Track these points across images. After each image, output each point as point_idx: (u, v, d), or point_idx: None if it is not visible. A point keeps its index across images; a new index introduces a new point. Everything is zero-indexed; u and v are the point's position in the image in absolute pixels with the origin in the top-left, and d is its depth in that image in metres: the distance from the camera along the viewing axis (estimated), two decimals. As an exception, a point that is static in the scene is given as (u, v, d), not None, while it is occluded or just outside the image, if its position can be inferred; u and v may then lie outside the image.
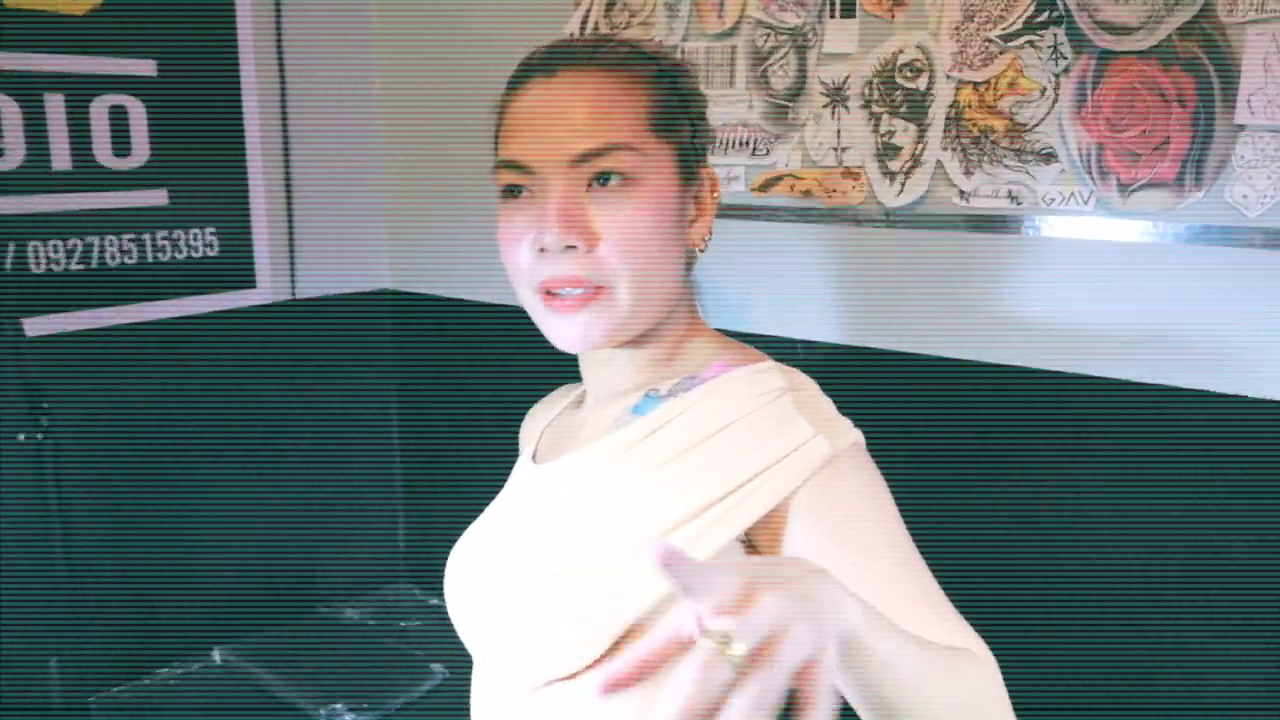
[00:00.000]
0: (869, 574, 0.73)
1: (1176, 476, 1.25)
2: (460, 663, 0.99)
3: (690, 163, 0.88)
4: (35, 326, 1.61)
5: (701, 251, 0.92)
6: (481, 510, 0.98)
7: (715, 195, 0.91)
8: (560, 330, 0.85)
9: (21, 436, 1.21)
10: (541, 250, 0.82)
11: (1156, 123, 1.20)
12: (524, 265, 0.84)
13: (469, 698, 0.95)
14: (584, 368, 0.95)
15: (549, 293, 0.83)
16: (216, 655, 1.91)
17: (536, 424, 1.07)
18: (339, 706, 1.71)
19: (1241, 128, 1.15)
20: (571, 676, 0.79)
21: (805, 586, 0.53)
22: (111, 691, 1.79)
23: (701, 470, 0.80)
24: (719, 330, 0.94)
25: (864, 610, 0.57)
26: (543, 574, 0.84)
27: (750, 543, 0.79)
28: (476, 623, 0.91)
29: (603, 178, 0.82)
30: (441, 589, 0.96)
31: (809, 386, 0.86)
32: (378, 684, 1.79)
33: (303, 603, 2.08)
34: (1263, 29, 1.12)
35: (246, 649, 1.91)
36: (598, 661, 0.78)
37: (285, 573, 2.06)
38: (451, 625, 0.96)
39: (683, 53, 1.58)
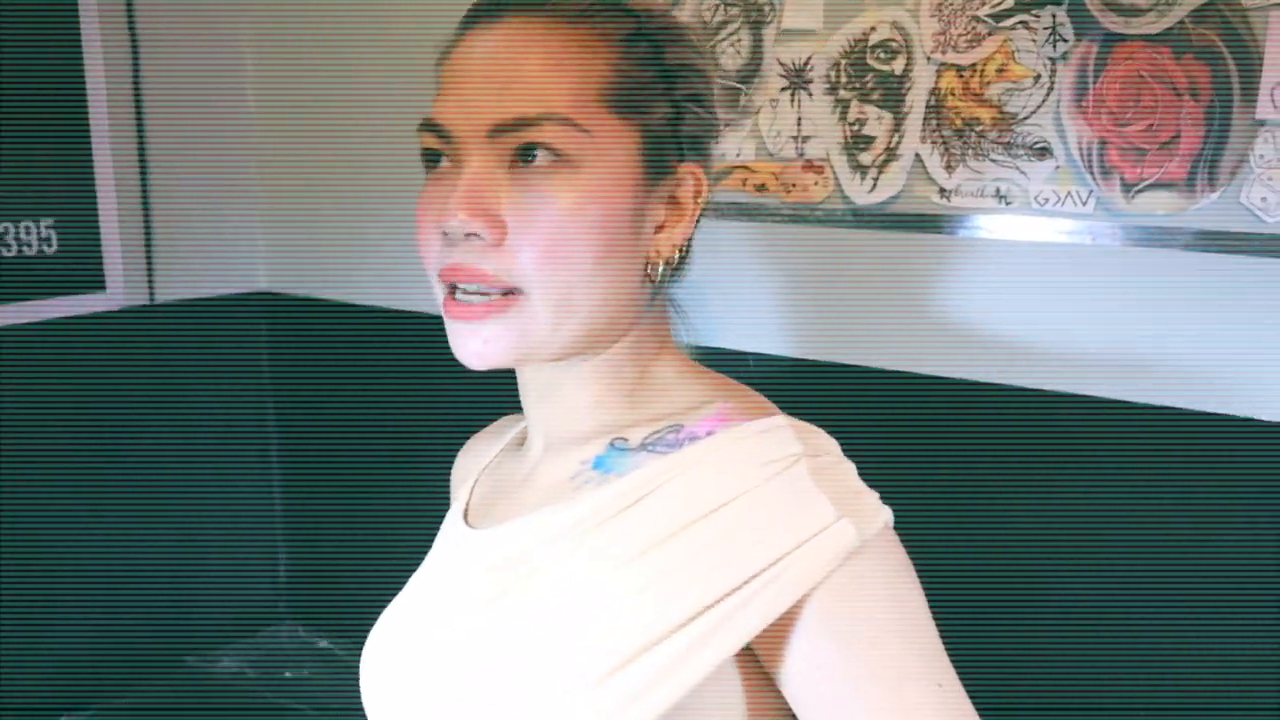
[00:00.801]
0: (892, 698, 0.60)
1: (1170, 501, 1.14)
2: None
3: (663, 152, 0.69)
4: None
5: (671, 266, 0.73)
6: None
7: (699, 199, 0.72)
8: (457, 341, 0.68)
9: None
10: (445, 234, 0.66)
11: (1166, 116, 1.08)
12: (433, 253, 0.68)
13: None
14: (524, 397, 0.76)
15: (451, 288, 0.67)
16: (65, 723, 1.63)
17: (472, 465, 0.87)
18: (217, 783, 1.47)
19: (1262, 124, 1.04)
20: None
21: None
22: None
23: (696, 560, 0.62)
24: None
25: None
26: (483, 684, 0.65)
27: (748, 650, 0.62)
28: None
29: (526, 154, 0.65)
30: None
31: (829, 450, 0.68)
32: (261, 750, 1.56)
33: (169, 654, 1.81)
34: (1289, 13, 1.01)
35: (101, 715, 1.64)
36: None
37: (148, 619, 1.79)
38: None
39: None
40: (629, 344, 0.72)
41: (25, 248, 1.59)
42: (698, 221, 0.73)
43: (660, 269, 0.71)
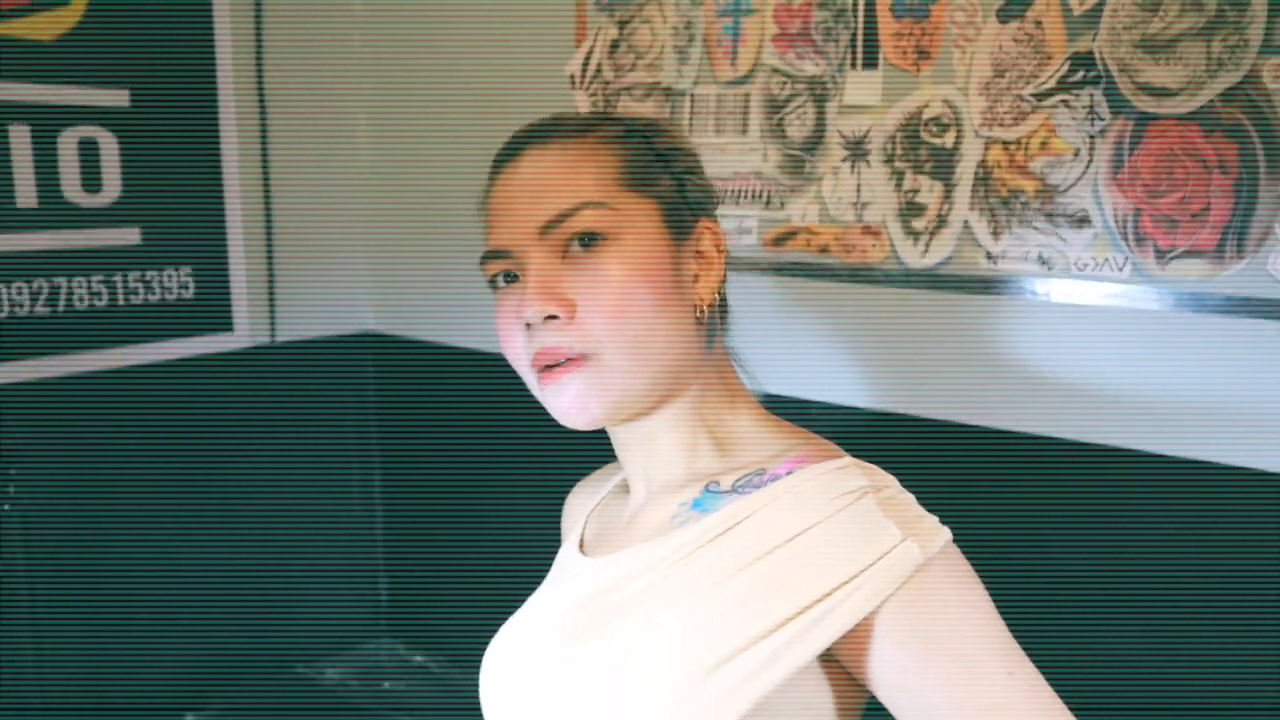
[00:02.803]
0: (972, 689, 0.69)
1: (1208, 551, 1.21)
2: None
3: (680, 216, 0.82)
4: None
5: (715, 310, 0.85)
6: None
7: (722, 249, 0.85)
8: (554, 403, 0.79)
9: (-10, 511, 1.11)
10: (528, 327, 0.78)
11: (1196, 189, 1.16)
12: (520, 351, 0.80)
13: None
14: (621, 454, 0.88)
15: (544, 369, 0.78)
16: (189, 720, 1.82)
17: (580, 507, 0.99)
18: (321, 779, 1.62)
19: (1287, 198, 1.11)
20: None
21: None
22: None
23: (779, 580, 0.73)
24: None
25: None
26: (596, 684, 0.77)
27: (833, 659, 0.73)
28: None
29: (581, 240, 0.77)
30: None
31: (891, 484, 0.79)
32: (361, 752, 1.71)
33: (280, 662, 1.99)
34: (1312, 97, 1.09)
35: (222, 714, 1.82)
36: None
37: (263, 631, 1.97)
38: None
39: (693, 98, 1.52)
40: (700, 391, 0.84)
41: (167, 293, 1.79)
42: (725, 270, 0.85)
43: (706, 313, 0.84)
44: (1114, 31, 1.19)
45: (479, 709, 0.89)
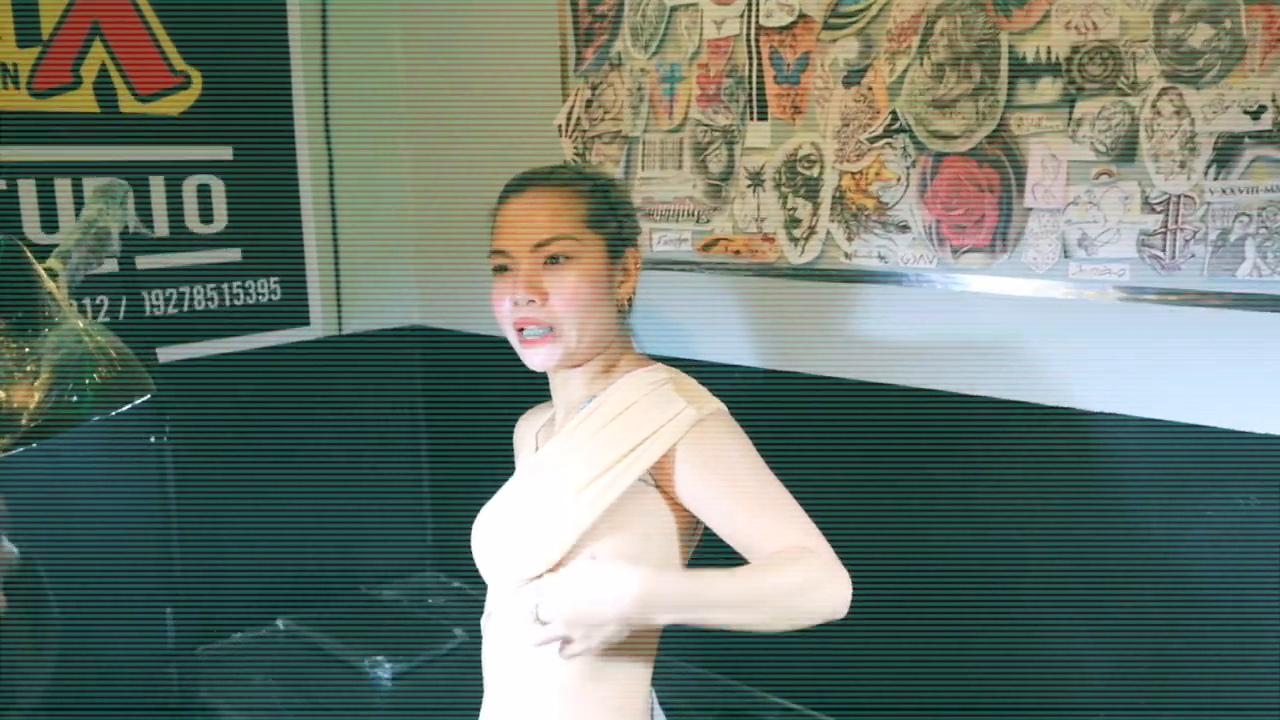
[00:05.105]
0: (732, 494, 1.19)
1: (1009, 477, 1.68)
2: (475, 630, 1.44)
3: (617, 246, 1.34)
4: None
5: (630, 304, 1.37)
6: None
7: (637, 267, 1.36)
8: (530, 357, 1.31)
9: (152, 439, 1.66)
10: (515, 303, 1.28)
11: (975, 205, 1.64)
12: (506, 313, 1.31)
13: (481, 652, 1.40)
14: (553, 387, 1.41)
15: (520, 330, 1.29)
16: (280, 623, 2.37)
17: (529, 429, 1.52)
18: (379, 658, 2.16)
19: (1030, 210, 1.59)
20: (538, 576, 1.24)
21: (584, 583, 1.10)
22: (196, 651, 2.24)
23: (615, 436, 1.25)
24: (671, 357, 1.39)
25: (650, 581, 1.08)
26: (525, 511, 1.30)
27: (655, 481, 1.24)
28: (487, 551, 1.36)
29: (554, 258, 1.28)
30: (463, 571, 1.41)
31: (685, 380, 1.31)
32: (409, 643, 2.23)
33: (349, 584, 2.53)
34: (1039, 139, 1.56)
35: (304, 618, 2.36)
36: (555, 566, 1.23)
37: (335, 559, 2.51)
38: (468, 599, 1.41)
39: (644, 143, 2.04)
40: (606, 349, 1.36)
41: (260, 297, 2.35)
42: (638, 279, 1.36)
43: (624, 306, 1.36)
44: (912, 95, 1.68)
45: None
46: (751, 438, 1.26)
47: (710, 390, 1.31)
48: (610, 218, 1.33)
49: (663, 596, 1.09)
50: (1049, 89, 1.54)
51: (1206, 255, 1.44)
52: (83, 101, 2.05)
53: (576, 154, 2.15)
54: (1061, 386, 1.60)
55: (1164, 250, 1.48)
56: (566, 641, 1.13)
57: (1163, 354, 1.51)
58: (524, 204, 1.30)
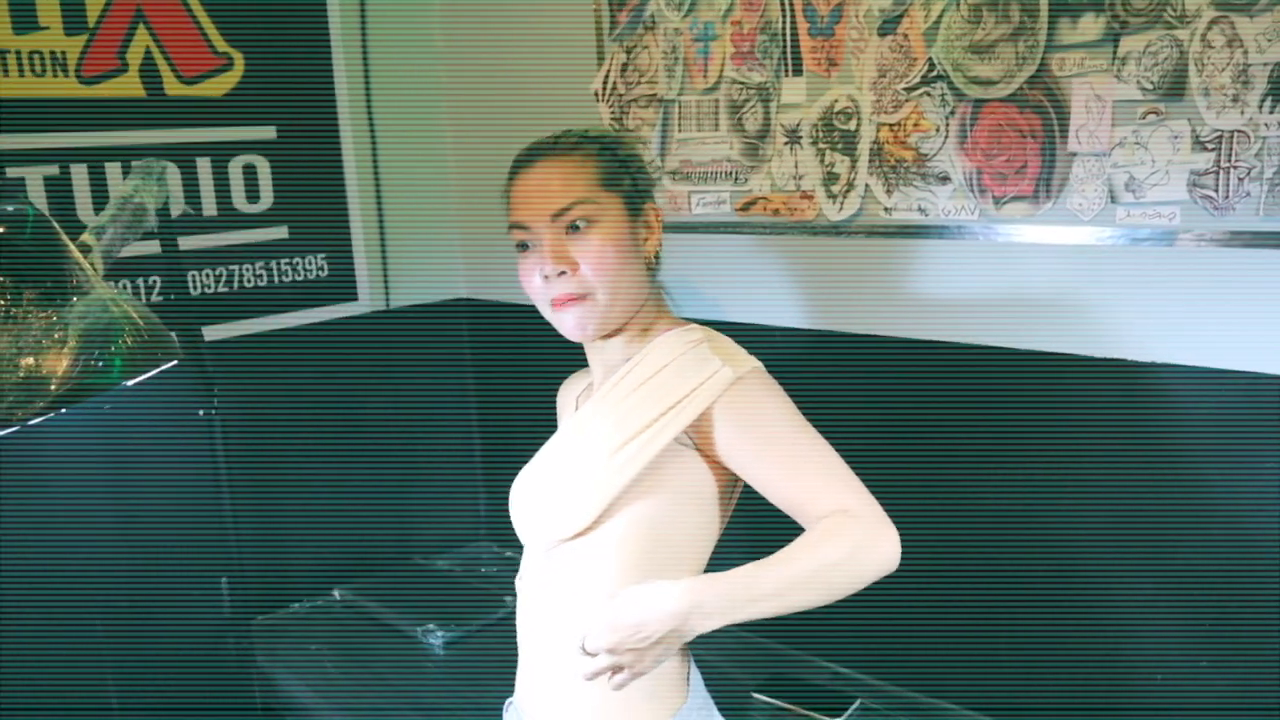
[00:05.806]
0: (772, 452, 1.17)
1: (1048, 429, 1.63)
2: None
3: (635, 202, 1.32)
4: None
5: (657, 259, 1.35)
6: None
7: (659, 221, 1.35)
8: (564, 325, 1.30)
9: (201, 412, 1.69)
10: (545, 278, 1.27)
11: (1017, 152, 1.59)
12: (538, 290, 1.30)
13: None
14: (592, 357, 1.39)
15: (554, 303, 1.28)
16: (336, 593, 2.41)
17: (571, 393, 1.51)
18: (432, 626, 2.19)
19: (1074, 155, 1.53)
20: (573, 537, 1.24)
21: (628, 614, 1.07)
22: (253, 621, 2.30)
23: (650, 398, 1.24)
24: (712, 320, 1.37)
25: (690, 596, 1.06)
26: (559, 473, 1.29)
27: (694, 442, 1.23)
28: (521, 512, 1.36)
29: (574, 225, 1.26)
30: (515, 542, 1.40)
31: (721, 339, 1.28)
32: (461, 611, 2.26)
33: (404, 555, 2.57)
34: (1082, 80, 1.50)
35: (360, 589, 2.41)
36: (588, 529, 1.22)
37: (391, 530, 2.55)
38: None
39: (680, 105, 2.01)
40: (639, 312, 1.34)
41: (308, 273, 2.38)
42: (662, 232, 1.34)
43: (652, 263, 1.34)
44: (949, 40, 1.63)
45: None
46: (795, 398, 1.23)
47: (753, 352, 1.29)
48: (623, 175, 1.31)
49: (703, 605, 1.07)
50: (1091, 26, 1.48)
51: (1262, 194, 1.37)
52: (129, 86, 2.09)
53: (614, 119, 2.13)
54: (1113, 337, 1.55)
55: (1216, 190, 1.41)
56: (616, 670, 1.12)
57: (1217, 299, 1.44)
58: (535, 175, 1.29)
